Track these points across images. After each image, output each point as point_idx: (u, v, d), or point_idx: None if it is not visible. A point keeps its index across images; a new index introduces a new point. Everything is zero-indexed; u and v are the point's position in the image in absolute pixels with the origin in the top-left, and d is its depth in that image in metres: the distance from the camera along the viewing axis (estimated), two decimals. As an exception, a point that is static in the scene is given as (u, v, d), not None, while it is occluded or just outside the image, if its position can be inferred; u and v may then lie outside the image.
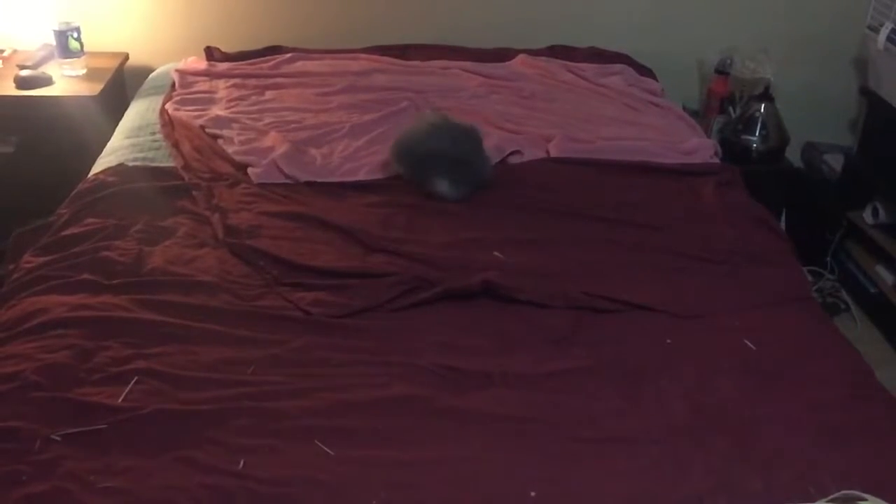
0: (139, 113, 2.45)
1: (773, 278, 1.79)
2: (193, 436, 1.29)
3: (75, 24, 2.63)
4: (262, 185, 2.01)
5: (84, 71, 2.67)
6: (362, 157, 2.15)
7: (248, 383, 1.40)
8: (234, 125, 2.28)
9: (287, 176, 2.05)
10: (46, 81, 2.59)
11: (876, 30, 2.66)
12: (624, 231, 1.91)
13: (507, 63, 2.77)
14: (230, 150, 2.15)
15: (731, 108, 2.89)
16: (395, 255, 1.76)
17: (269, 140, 2.19)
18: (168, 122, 2.31)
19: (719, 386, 1.45)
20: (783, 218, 2.75)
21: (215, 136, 2.23)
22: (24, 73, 2.59)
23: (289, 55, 2.71)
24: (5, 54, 2.76)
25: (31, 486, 1.19)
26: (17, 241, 1.84)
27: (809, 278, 2.54)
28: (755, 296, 1.72)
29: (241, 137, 2.20)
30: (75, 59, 2.65)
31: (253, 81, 2.56)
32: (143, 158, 2.17)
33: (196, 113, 2.35)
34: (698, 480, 1.25)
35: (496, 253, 1.79)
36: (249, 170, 2.06)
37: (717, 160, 2.31)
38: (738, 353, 1.54)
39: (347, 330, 1.56)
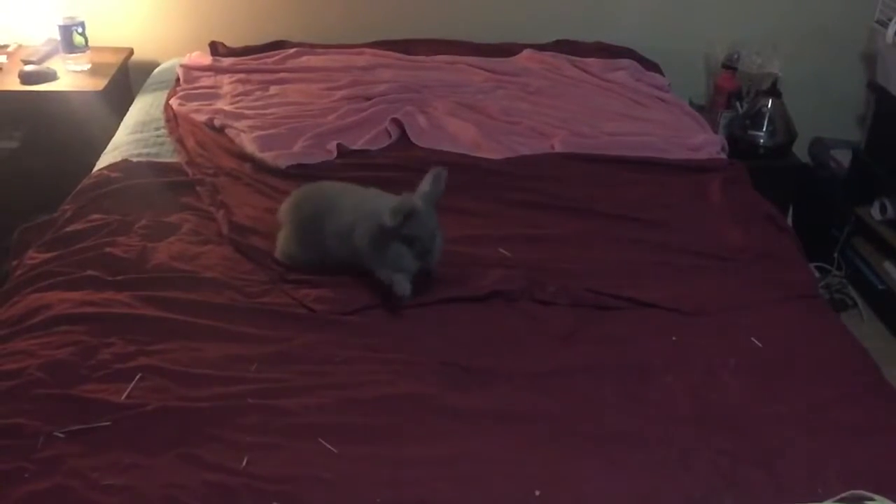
0: (143, 108, 2.45)
1: (779, 275, 1.78)
2: (197, 433, 1.28)
3: (80, 19, 2.63)
4: (265, 182, 2.00)
5: (88, 66, 2.67)
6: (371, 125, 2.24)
7: (251, 380, 1.40)
8: (241, 120, 2.27)
9: (326, 151, 2.10)
10: (51, 76, 2.58)
11: (884, 24, 2.64)
12: (629, 227, 1.90)
13: (512, 58, 2.76)
14: (252, 135, 2.14)
15: (738, 104, 2.88)
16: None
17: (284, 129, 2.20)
18: (172, 118, 2.31)
19: (725, 384, 1.44)
20: (790, 214, 2.74)
21: (223, 127, 2.23)
22: (29, 68, 2.59)
23: (293, 50, 2.71)
24: (10, 49, 2.76)
25: (34, 483, 1.19)
26: (21, 236, 1.84)
27: (816, 274, 2.53)
28: (761, 293, 1.71)
29: (254, 134, 2.18)
30: (80, 54, 2.65)
31: (257, 77, 2.55)
32: (148, 154, 2.17)
33: (200, 108, 2.34)
34: (704, 479, 1.24)
35: (501, 249, 1.78)
36: (272, 154, 2.06)
37: (723, 156, 2.30)
38: (744, 351, 1.53)
39: (352, 327, 1.55)
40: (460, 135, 2.25)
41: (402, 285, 1.57)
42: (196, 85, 2.51)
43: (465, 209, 1.93)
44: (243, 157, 2.11)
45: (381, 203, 1.59)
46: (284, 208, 1.74)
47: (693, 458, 1.28)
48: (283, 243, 1.72)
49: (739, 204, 2.04)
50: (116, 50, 2.82)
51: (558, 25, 2.91)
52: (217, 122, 2.26)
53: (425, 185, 1.60)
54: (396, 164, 2.09)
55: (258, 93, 2.46)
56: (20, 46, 2.80)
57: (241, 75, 2.56)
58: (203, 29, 2.83)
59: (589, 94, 2.56)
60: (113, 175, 2.03)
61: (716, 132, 2.54)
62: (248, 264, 1.72)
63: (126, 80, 2.83)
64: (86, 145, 2.39)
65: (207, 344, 1.48)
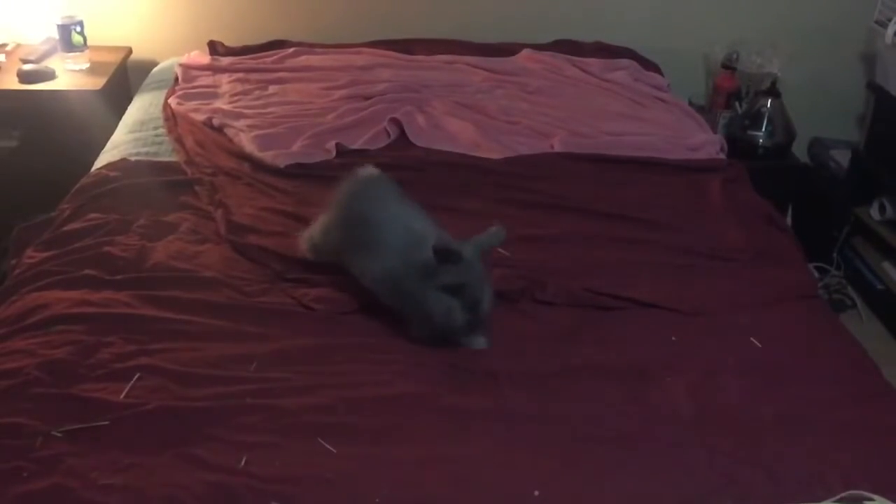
0: (142, 107, 2.45)
1: (779, 275, 1.78)
2: (196, 433, 1.28)
3: (78, 18, 2.63)
4: (264, 182, 2.00)
5: (87, 65, 2.67)
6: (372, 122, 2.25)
7: (250, 380, 1.39)
8: (240, 119, 2.27)
9: (325, 151, 2.10)
10: (49, 75, 2.58)
11: (884, 24, 2.64)
12: (629, 227, 1.90)
13: (512, 58, 2.75)
14: (251, 135, 2.14)
15: (737, 104, 2.88)
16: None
17: (283, 128, 2.20)
18: (171, 117, 2.31)
19: (725, 384, 1.44)
20: (789, 214, 2.74)
21: (222, 126, 2.23)
22: (28, 67, 2.59)
23: (292, 50, 2.71)
24: (8, 48, 2.76)
25: (32, 482, 1.19)
26: (19, 235, 1.84)
27: (816, 275, 2.53)
28: (761, 293, 1.71)
29: (253, 134, 2.18)
30: (78, 53, 2.65)
31: (256, 76, 2.55)
32: (146, 153, 2.17)
33: (199, 107, 2.34)
34: (703, 479, 1.24)
35: (500, 249, 1.77)
36: (270, 154, 2.06)
37: (723, 156, 2.30)
38: (743, 351, 1.53)
39: (351, 326, 1.55)
40: (459, 134, 2.25)
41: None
42: (195, 84, 2.50)
43: (463, 209, 1.93)
44: (242, 156, 2.11)
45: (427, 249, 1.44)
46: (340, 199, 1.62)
47: (692, 459, 1.28)
48: (319, 235, 1.63)
49: (739, 204, 2.04)
50: (115, 49, 2.81)
51: (558, 25, 2.91)
52: (216, 122, 2.26)
53: (482, 235, 1.48)
54: (395, 163, 2.09)
55: (257, 92, 2.45)
56: (18, 45, 2.79)
57: (240, 75, 2.56)
58: (202, 28, 2.83)
59: (588, 94, 2.56)
60: (111, 174, 2.02)
61: (715, 132, 2.54)
62: (247, 263, 1.72)
63: (125, 79, 2.83)
64: (84, 144, 2.38)
65: (206, 343, 1.48)
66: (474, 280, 1.43)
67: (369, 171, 1.67)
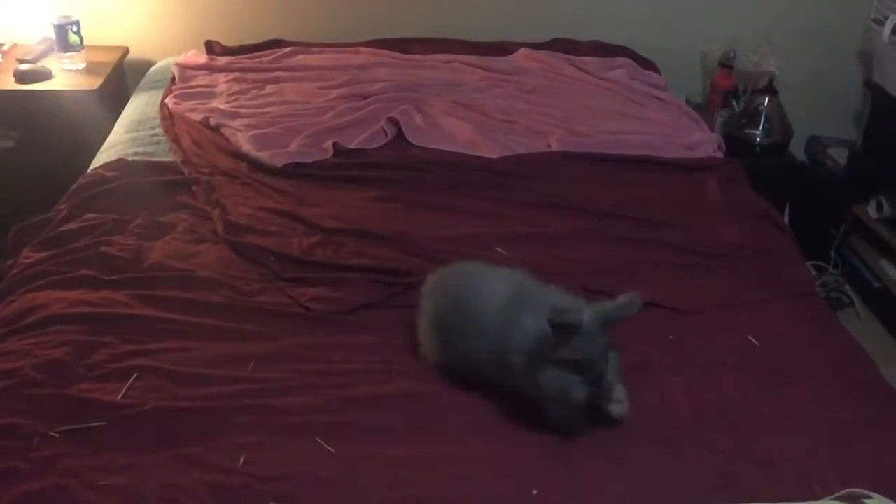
0: (139, 107, 2.44)
1: (776, 274, 1.78)
2: (193, 433, 1.28)
3: (75, 18, 2.62)
4: (261, 181, 2.00)
5: (84, 65, 2.66)
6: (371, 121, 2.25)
7: (248, 380, 1.39)
8: (237, 118, 2.27)
9: (322, 150, 2.10)
10: (46, 75, 2.58)
11: (881, 22, 2.64)
12: (626, 226, 1.90)
13: (509, 57, 2.75)
14: (248, 134, 2.14)
15: (734, 102, 2.88)
16: (397, 251, 1.75)
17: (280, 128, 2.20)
18: (168, 117, 2.31)
19: (723, 382, 1.44)
20: (787, 212, 2.74)
21: (219, 126, 2.22)
22: (24, 67, 2.58)
23: (289, 49, 2.70)
24: (5, 48, 2.75)
25: (29, 483, 1.18)
26: (16, 235, 1.84)
27: (813, 273, 2.53)
28: (759, 291, 1.71)
29: (250, 133, 2.18)
30: (75, 52, 2.64)
31: (253, 76, 2.55)
32: (143, 153, 2.17)
33: (196, 107, 2.34)
34: (701, 478, 1.24)
35: (498, 249, 1.78)
36: (268, 153, 2.06)
37: (720, 154, 2.30)
38: (741, 350, 1.53)
39: (348, 326, 1.55)
40: (457, 133, 2.25)
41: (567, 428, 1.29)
42: (191, 84, 2.50)
43: (461, 208, 1.93)
44: (239, 155, 2.11)
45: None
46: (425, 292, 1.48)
47: (690, 457, 1.28)
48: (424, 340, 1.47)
49: (736, 202, 2.04)
50: (112, 49, 2.81)
51: (555, 24, 2.91)
52: (213, 121, 2.25)
53: (612, 303, 1.30)
54: (393, 163, 2.09)
55: (254, 91, 2.45)
56: (15, 45, 2.79)
57: (237, 74, 2.56)
58: (198, 28, 2.83)
59: (586, 92, 2.56)
60: (108, 174, 2.02)
61: (712, 131, 2.54)
62: (244, 263, 1.71)
63: (121, 79, 2.83)
64: (81, 144, 2.38)
65: (204, 343, 1.48)
66: (595, 352, 1.25)
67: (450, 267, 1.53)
